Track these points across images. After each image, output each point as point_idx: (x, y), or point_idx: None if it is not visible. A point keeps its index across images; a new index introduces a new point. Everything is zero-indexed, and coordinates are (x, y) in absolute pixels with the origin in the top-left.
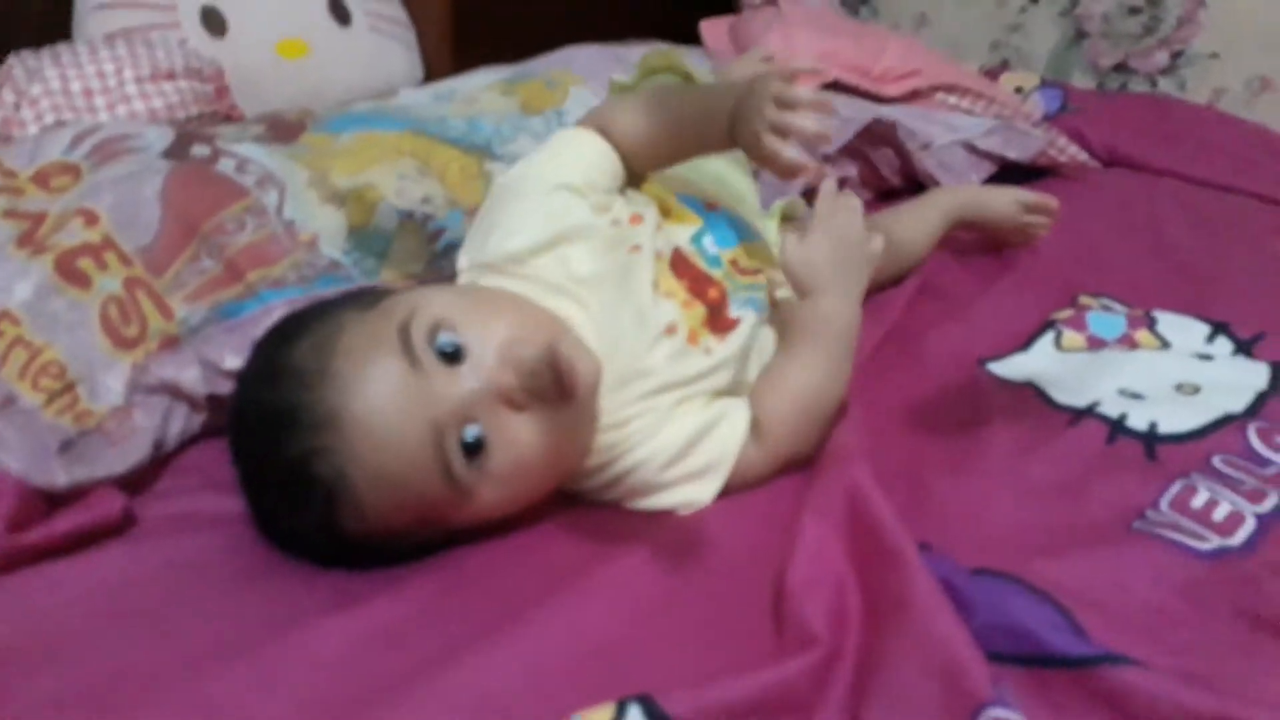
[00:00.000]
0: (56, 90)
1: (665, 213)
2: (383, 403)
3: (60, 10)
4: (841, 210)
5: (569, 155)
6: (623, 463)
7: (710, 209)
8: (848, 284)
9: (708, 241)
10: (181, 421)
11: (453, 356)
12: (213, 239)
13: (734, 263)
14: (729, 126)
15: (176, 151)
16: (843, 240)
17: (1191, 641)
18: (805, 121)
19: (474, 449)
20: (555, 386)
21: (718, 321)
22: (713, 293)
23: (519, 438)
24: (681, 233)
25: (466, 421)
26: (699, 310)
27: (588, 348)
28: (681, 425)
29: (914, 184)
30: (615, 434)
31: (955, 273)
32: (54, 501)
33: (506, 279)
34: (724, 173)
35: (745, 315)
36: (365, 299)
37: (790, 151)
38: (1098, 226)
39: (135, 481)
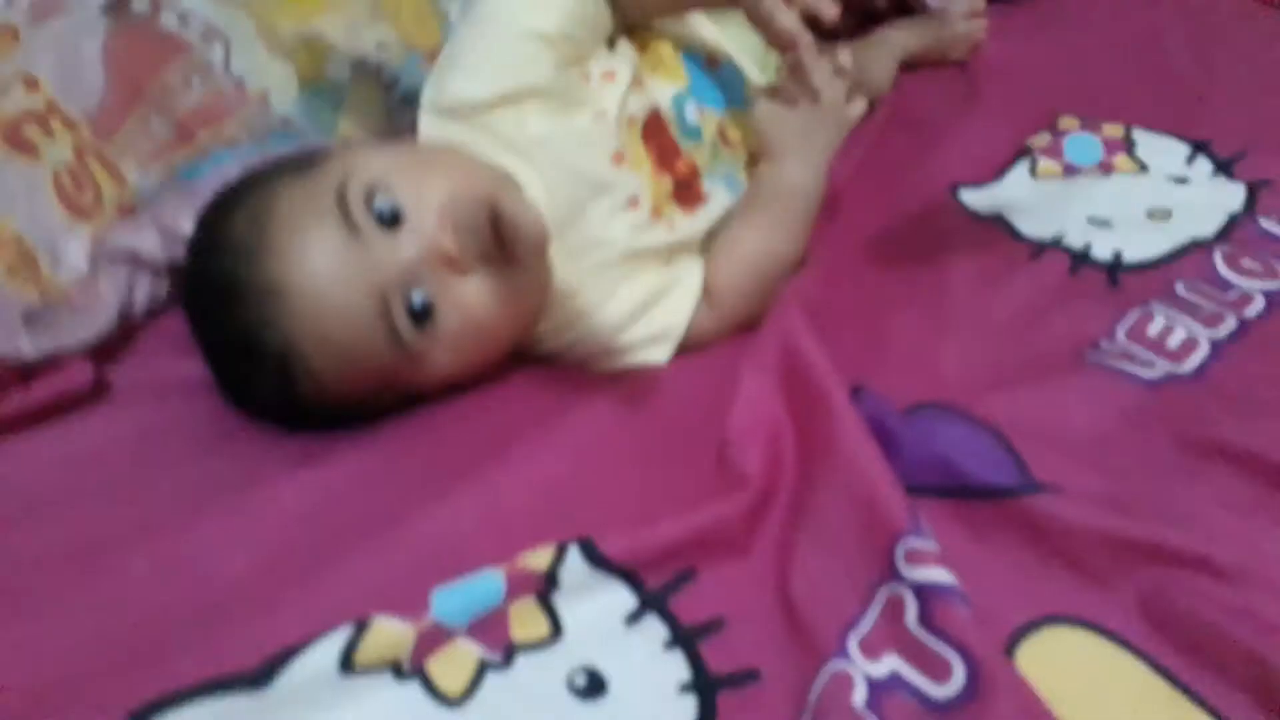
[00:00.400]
0: None
1: (654, 66)
2: (323, 272)
3: None
4: (819, 70)
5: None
6: (576, 329)
7: (710, 65)
8: (816, 149)
9: (690, 107)
10: (146, 289)
11: (391, 220)
12: (160, 99)
13: (721, 131)
14: None
15: (115, 8)
16: (817, 103)
17: (1127, 467)
18: None
19: (421, 315)
20: (497, 246)
21: (686, 194)
22: (680, 166)
23: (466, 300)
24: (664, 92)
25: (411, 287)
26: (666, 182)
27: (532, 205)
28: (633, 291)
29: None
30: (569, 301)
31: (929, 100)
32: (26, 374)
33: (462, 126)
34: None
35: (716, 192)
36: (302, 162)
37: (787, 17)
38: (1089, 42)
39: (106, 350)
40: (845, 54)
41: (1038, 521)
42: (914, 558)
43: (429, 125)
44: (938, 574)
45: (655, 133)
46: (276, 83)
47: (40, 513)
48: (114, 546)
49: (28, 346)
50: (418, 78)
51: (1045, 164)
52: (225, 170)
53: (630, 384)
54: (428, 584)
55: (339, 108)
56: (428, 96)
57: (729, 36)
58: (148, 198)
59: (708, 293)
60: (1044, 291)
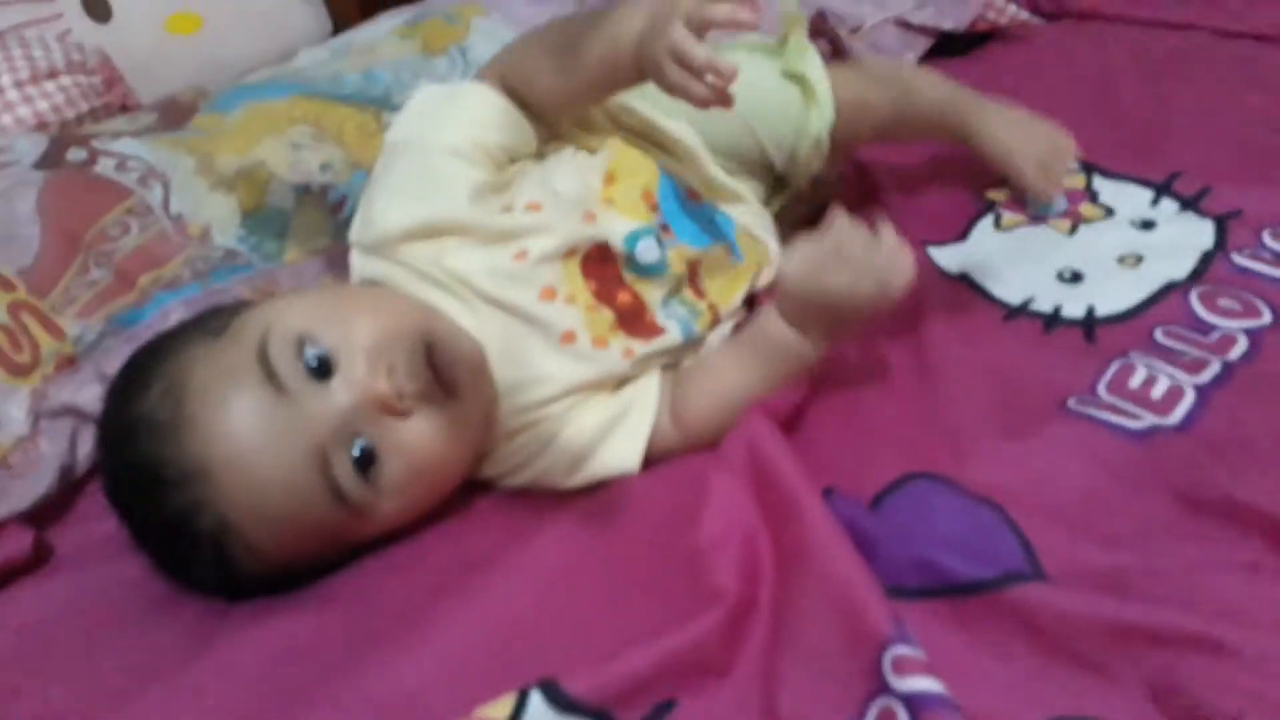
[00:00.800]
0: None
1: (612, 199)
2: (252, 440)
3: None
4: (858, 240)
5: (452, 115)
6: (523, 474)
7: (691, 200)
8: (834, 332)
9: (646, 244)
10: (89, 443)
11: (321, 371)
12: (98, 247)
13: (692, 270)
14: (634, 54)
15: (51, 159)
16: (852, 290)
17: (1124, 534)
18: (720, 10)
19: (364, 464)
20: (436, 381)
21: (634, 325)
22: (622, 298)
23: (409, 443)
24: (617, 227)
25: (350, 438)
26: (606, 315)
27: (464, 332)
28: (580, 428)
29: None
30: (519, 442)
31: (887, 165)
32: None
33: (386, 263)
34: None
35: (670, 329)
36: (211, 323)
37: (700, 87)
38: (1040, 88)
39: (48, 510)
40: (889, 230)
41: (1032, 614)
42: (901, 666)
43: (357, 263)
44: (926, 683)
45: (598, 265)
46: (218, 216)
47: None
48: None
49: None
50: None
51: (1009, 217)
52: (168, 311)
53: (594, 501)
54: None
55: (284, 234)
56: (353, 233)
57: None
58: (88, 349)
59: (677, 418)
60: (1021, 352)
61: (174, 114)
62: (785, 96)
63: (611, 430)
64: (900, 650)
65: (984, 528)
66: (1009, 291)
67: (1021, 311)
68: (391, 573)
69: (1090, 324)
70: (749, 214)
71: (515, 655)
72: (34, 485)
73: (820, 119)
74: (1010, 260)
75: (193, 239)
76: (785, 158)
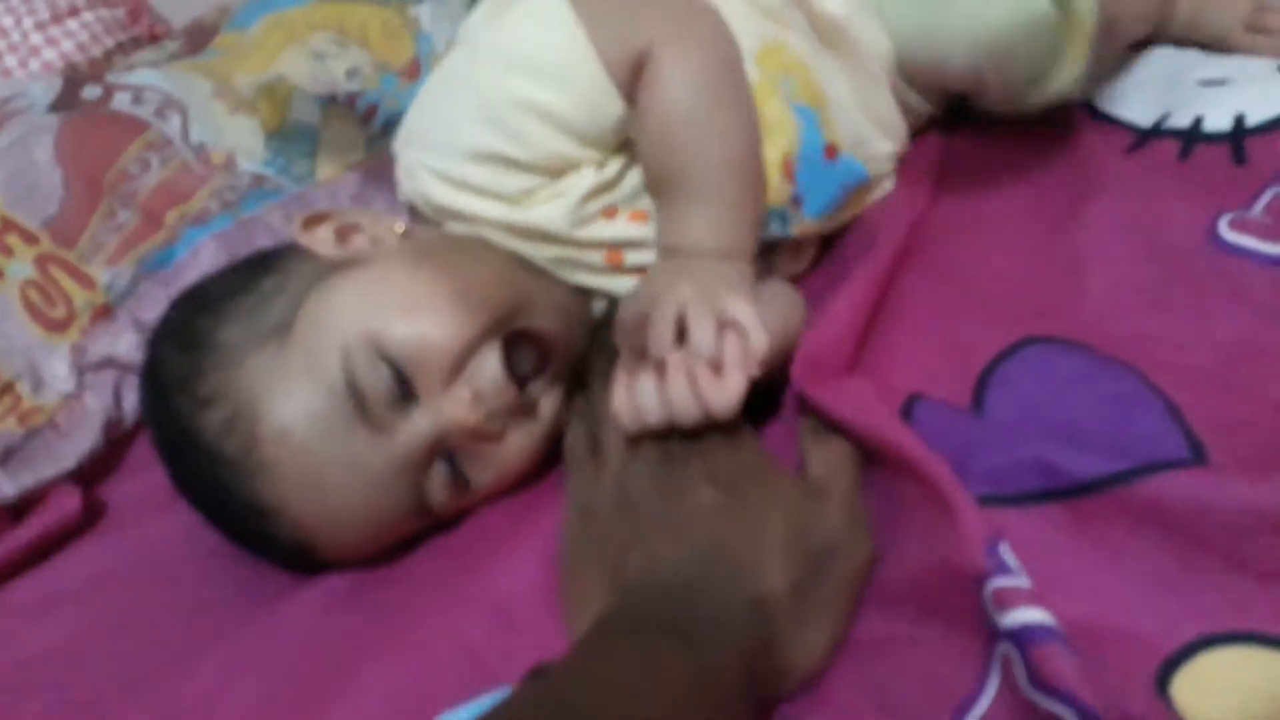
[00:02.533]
0: None
1: None
2: (339, 484)
3: None
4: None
5: (550, 67)
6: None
7: (828, 159)
8: None
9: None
10: (133, 394)
11: (403, 391)
12: (120, 188)
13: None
14: None
15: (65, 100)
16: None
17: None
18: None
19: (455, 483)
20: (521, 396)
21: None
22: None
23: (501, 459)
24: None
25: (441, 457)
26: None
27: (551, 308)
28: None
29: None
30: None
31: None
32: (16, 510)
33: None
34: None
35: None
36: (265, 312)
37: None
38: None
39: (97, 466)
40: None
41: (1180, 509)
42: (1002, 599)
43: (437, 191)
44: (1031, 614)
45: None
46: (241, 141)
47: (41, 670)
48: (116, 701)
49: (7, 486)
50: (397, 98)
51: None
52: (198, 249)
53: None
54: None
55: (313, 152)
56: (411, 152)
57: None
58: (121, 295)
59: None
60: (1154, 182)
61: (198, 37)
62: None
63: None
64: (1000, 583)
65: (1119, 401)
66: (1139, 113)
67: (1154, 133)
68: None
69: (1239, 137)
70: (885, 160)
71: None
72: (81, 443)
73: (1074, 65)
74: (1142, 80)
75: (217, 168)
76: (1001, 96)
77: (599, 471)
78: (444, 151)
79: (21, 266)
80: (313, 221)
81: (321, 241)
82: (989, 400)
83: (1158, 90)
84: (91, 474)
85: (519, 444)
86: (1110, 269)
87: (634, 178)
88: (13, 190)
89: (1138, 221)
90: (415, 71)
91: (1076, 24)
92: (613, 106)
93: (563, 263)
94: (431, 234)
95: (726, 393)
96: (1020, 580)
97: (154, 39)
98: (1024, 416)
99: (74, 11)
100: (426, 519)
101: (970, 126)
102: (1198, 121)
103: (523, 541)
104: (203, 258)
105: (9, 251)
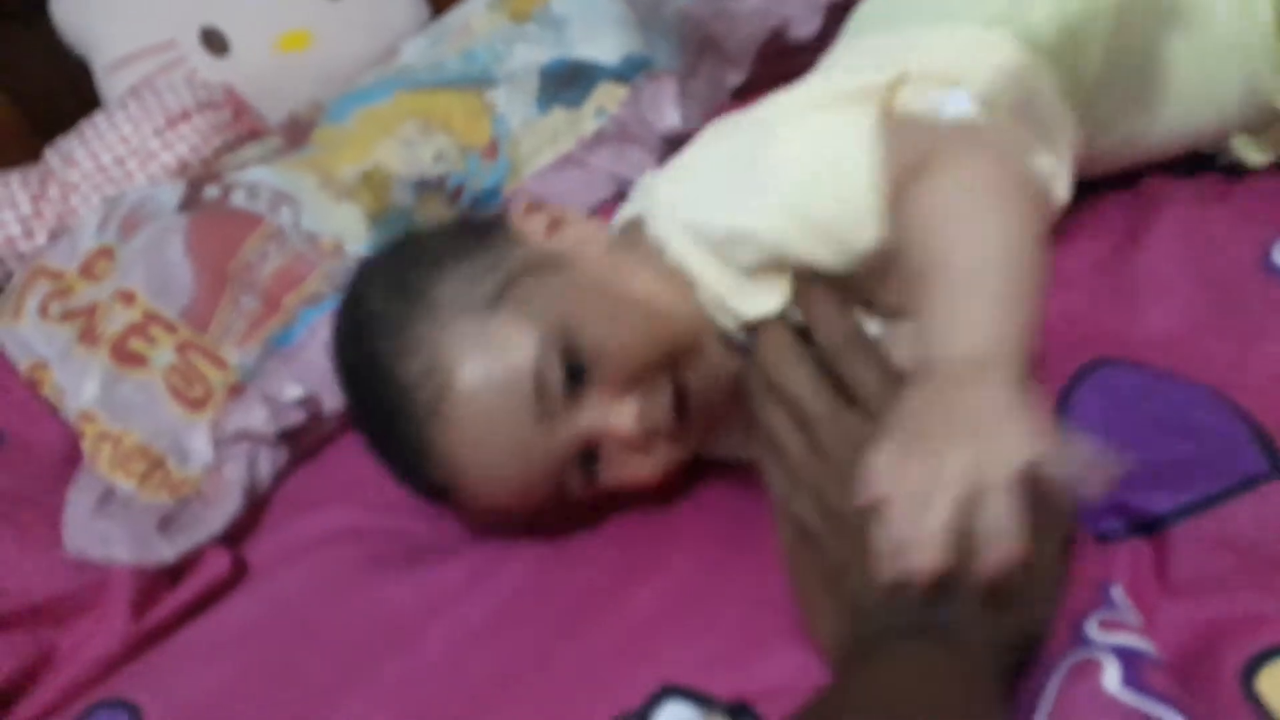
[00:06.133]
0: (91, 169)
1: None
2: (502, 452)
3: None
4: None
5: (831, 186)
6: None
7: None
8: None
9: None
10: (268, 464)
11: (573, 379)
12: (243, 277)
13: None
14: None
15: (190, 201)
16: None
17: None
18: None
19: (591, 475)
20: (678, 423)
21: None
22: None
23: (637, 469)
24: None
25: (589, 451)
26: None
27: (725, 352)
28: None
29: None
30: None
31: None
32: (173, 573)
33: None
34: None
35: None
36: (485, 281)
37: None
38: None
39: (239, 529)
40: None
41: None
42: (1108, 625)
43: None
44: (1136, 641)
45: None
46: (347, 227)
47: (199, 713)
48: None
49: (167, 551)
50: (481, 177)
51: None
52: (315, 328)
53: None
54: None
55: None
56: (669, 216)
57: None
58: (251, 374)
59: None
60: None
61: (297, 133)
62: None
63: None
64: (1104, 615)
65: (1192, 413)
66: None
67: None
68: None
69: None
70: None
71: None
72: (225, 509)
73: None
74: None
75: (327, 253)
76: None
77: (797, 485)
78: (703, 212)
79: (165, 354)
80: (531, 209)
81: (533, 229)
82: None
83: None
84: (233, 537)
85: (658, 462)
86: (1168, 297)
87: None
88: (152, 286)
89: (1192, 251)
90: (494, 151)
91: None
92: (873, 233)
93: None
94: (638, 251)
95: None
96: (1127, 615)
97: (254, 134)
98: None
99: (186, 117)
100: (557, 500)
101: None
102: None
103: (647, 575)
104: (319, 335)
105: (153, 341)
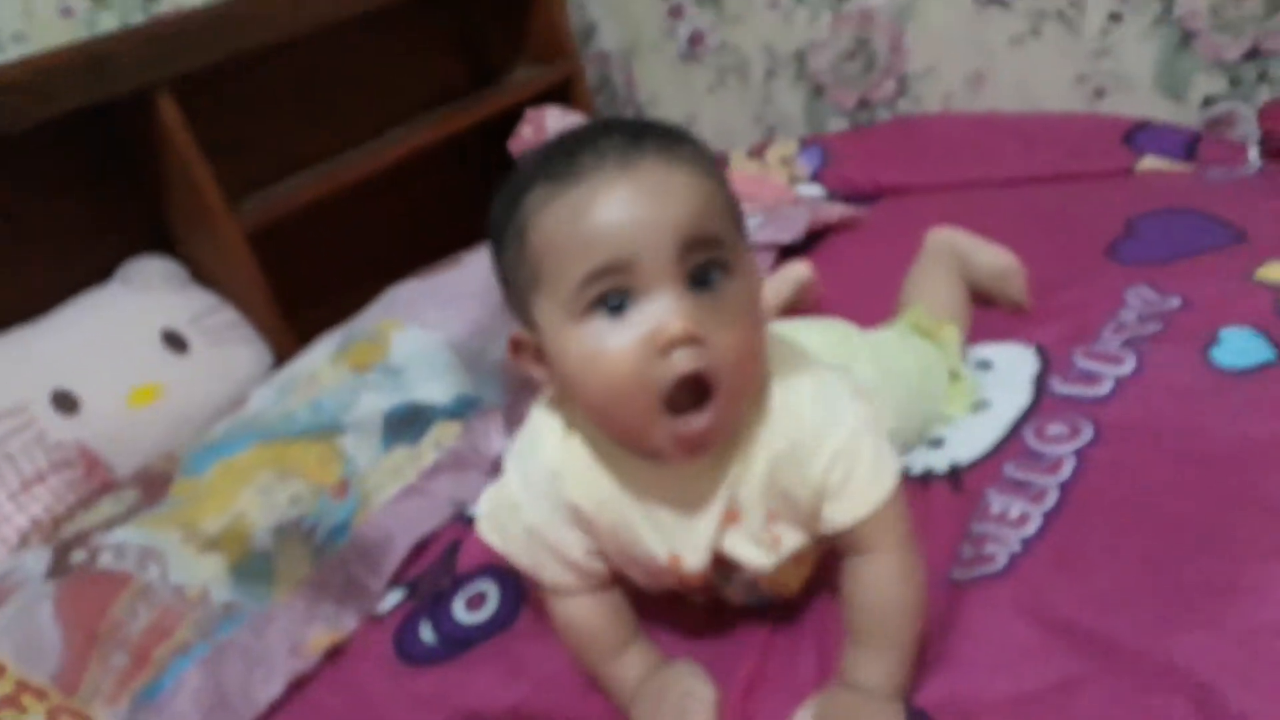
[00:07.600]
0: None
1: None
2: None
3: None
4: None
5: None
6: None
7: None
8: None
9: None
10: None
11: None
12: (114, 636)
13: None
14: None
15: (58, 567)
16: None
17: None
18: None
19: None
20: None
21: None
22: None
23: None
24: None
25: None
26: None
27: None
28: None
29: None
30: None
31: None
32: None
33: None
34: None
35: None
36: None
37: None
38: (872, 268)
39: None
40: None
41: None
42: None
43: None
44: None
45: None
46: (212, 576)
47: None
48: None
49: None
50: (333, 514)
51: None
52: (183, 678)
53: None
54: None
55: (270, 577)
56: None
57: None
58: None
59: None
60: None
61: (153, 486)
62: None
63: None
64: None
65: None
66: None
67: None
68: None
69: (955, 474)
70: None
71: None
72: None
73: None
74: None
75: (194, 603)
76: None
77: None
78: None
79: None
80: None
81: None
82: None
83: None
84: None
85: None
86: None
87: None
88: (21, 654)
89: None
90: (344, 490)
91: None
92: None
93: None
94: None
95: None
96: None
97: (107, 489)
98: None
99: (40, 479)
100: None
101: None
102: (927, 472)
103: None
104: (187, 686)
105: (24, 709)
